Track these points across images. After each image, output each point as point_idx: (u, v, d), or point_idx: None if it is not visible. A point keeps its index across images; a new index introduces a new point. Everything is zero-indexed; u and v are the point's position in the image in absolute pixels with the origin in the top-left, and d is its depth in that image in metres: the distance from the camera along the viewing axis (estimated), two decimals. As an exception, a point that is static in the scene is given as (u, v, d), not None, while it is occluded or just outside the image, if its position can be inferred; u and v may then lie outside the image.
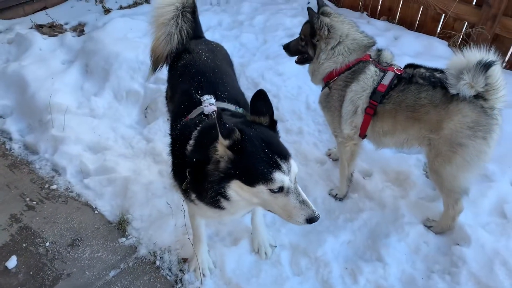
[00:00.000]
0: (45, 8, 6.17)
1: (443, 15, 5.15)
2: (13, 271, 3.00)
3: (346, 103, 3.04)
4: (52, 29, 5.60)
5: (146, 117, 4.32)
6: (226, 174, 2.01)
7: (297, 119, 4.15)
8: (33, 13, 6.07)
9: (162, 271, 3.00)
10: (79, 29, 5.72)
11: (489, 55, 2.57)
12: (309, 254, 3.00)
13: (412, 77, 2.86)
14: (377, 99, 2.91)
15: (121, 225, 3.29)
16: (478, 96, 2.64)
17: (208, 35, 5.33)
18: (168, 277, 2.96)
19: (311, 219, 2.06)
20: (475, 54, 2.58)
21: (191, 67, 2.82)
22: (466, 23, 5.00)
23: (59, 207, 3.48)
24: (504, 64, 4.83)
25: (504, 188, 3.27)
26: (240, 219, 3.22)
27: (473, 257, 2.85)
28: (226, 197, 2.08)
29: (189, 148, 2.24)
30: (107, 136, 4.03)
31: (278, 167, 1.97)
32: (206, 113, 2.43)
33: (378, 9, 5.77)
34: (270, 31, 5.45)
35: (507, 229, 3.02)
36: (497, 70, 2.58)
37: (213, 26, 5.61)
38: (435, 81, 2.79)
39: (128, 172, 3.66)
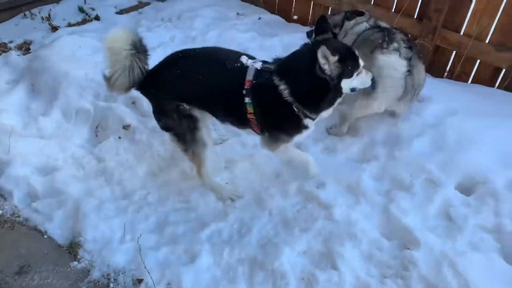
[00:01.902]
0: (-13, 26, 5.94)
1: (388, 28, 5.37)
2: (-45, 305, 2.83)
3: None
4: (-5, 48, 5.39)
5: (97, 135, 4.21)
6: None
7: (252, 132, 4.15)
8: (-25, 31, 5.82)
9: (116, 293, 2.92)
10: (25, 48, 5.53)
11: None
12: (266, 266, 3.00)
13: None
14: None
15: (72, 249, 3.17)
16: None
17: (160, 51, 5.30)
18: (123, 300, 2.89)
19: None
20: None
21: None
22: (410, 35, 5.23)
23: (5, 233, 3.31)
24: (446, 73, 5.09)
25: (448, 193, 3.40)
26: (196, 234, 3.21)
27: (423, 260, 2.95)
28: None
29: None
30: (56, 157, 3.89)
31: None
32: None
33: (327, 23, 5.93)
34: (223, 46, 5.45)
35: (453, 231, 3.15)
36: None
37: (165, 42, 5.58)
38: None
39: (79, 193, 3.55)
